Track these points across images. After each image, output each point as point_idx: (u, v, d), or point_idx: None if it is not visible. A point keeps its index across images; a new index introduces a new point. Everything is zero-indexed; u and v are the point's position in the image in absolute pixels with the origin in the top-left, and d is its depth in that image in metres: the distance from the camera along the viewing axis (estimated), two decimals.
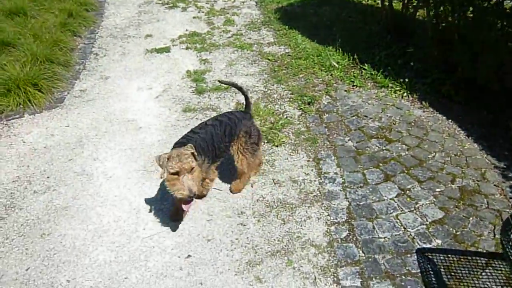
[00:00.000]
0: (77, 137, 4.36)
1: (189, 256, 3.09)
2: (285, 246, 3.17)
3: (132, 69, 5.69)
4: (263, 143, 4.02)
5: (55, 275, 2.97)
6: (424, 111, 4.61)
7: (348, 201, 3.53)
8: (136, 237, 3.25)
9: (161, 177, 2.88)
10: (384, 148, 4.10)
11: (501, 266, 2.90)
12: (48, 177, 3.83)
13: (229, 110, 3.65)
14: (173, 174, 2.75)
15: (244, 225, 3.34)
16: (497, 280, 2.81)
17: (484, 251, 3.03)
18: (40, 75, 4.91)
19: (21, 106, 4.71)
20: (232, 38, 6.54)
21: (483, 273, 2.87)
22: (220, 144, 3.24)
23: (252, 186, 3.69)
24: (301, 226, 3.33)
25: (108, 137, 4.37)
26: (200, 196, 3.52)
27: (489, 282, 2.81)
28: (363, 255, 3.08)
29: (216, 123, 3.27)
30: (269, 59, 5.84)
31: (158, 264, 3.03)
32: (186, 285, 2.89)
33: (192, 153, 2.82)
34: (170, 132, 4.41)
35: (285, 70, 5.58)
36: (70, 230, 3.32)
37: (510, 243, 2.54)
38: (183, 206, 2.91)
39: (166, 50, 6.19)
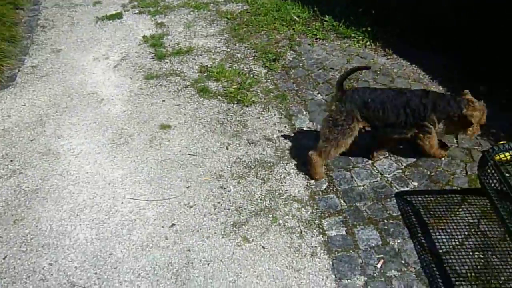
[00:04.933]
0: (36, 115, 4.12)
1: (173, 225, 3.04)
2: (268, 204, 3.17)
3: (84, 40, 5.38)
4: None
5: (36, 260, 2.87)
6: (388, 59, 4.64)
7: None
8: (115, 211, 3.16)
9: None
10: None
11: (476, 200, 3.03)
12: (11, 161, 3.62)
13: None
14: None
15: (225, 188, 3.31)
16: (473, 214, 2.94)
17: (459, 188, 3.16)
18: None
19: None
20: None
21: (460, 209, 2.99)
22: None
23: (227, 149, 3.64)
24: (281, 183, 3.33)
25: (69, 112, 4.15)
26: None
27: (466, 216, 2.94)
28: (344, 204, 3.14)
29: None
30: (228, 18, 5.66)
31: (142, 236, 2.98)
32: (174, 254, 2.86)
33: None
34: (135, 101, 4.24)
35: (245, 28, 5.42)
36: (44, 213, 3.18)
37: (487, 178, 2.65)
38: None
39: (118, 16, 5.86)
